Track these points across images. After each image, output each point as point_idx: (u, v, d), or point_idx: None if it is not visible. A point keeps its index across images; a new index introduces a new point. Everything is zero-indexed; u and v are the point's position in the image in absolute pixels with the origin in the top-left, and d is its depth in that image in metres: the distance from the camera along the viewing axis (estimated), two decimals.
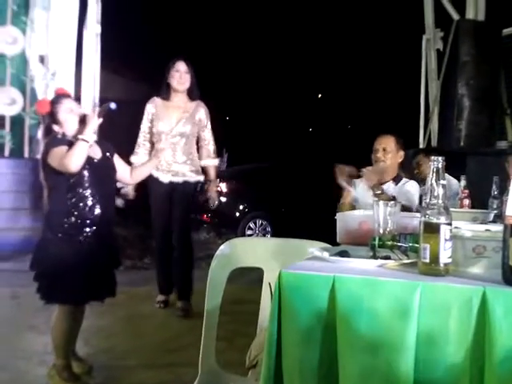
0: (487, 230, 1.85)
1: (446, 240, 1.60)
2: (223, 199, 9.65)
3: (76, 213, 3.11)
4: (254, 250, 2.56)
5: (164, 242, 4.95)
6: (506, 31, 7.29)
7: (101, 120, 3.16)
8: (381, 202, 1.93)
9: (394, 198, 3.35)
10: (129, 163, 3.73)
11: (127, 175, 3.49)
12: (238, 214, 9.59)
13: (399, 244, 1.85)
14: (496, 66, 6.97)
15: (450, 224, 1.62)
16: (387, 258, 1.81)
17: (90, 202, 3.15)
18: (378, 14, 16.91)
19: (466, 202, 3.58)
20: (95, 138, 3.31)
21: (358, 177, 3.74)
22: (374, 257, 1.83)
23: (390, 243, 1.85)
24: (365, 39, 18.32)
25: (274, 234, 9.28)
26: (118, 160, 3.41)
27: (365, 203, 3.42)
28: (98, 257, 3.19)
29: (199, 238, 8.92)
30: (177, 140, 4.79)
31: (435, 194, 1.63)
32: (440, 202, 1.63)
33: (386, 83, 18.33)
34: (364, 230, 2.11)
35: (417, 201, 3.71)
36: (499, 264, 1.56)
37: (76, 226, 3.12)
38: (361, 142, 7.94)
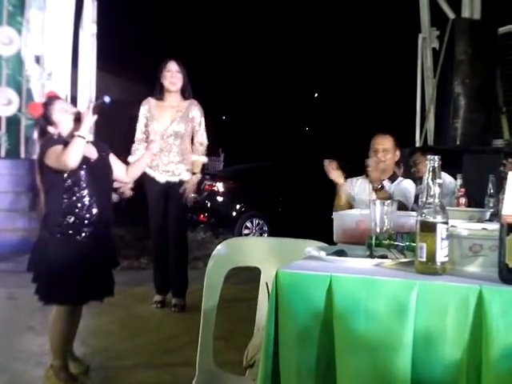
0: (484, 229, 1.86)
1: (442, 239, 1.60)
2: (220, 199, 9.65)
3: (73, 213, 3.11)
4: (250, 249, 2.56)
5: (161, 242, 4.95)
6: (501, 30, 7.32)
7: (96, 116, 3.15)
8: (377, 201, 1.93)
9: (390, 197, 3.36)
10: (126, 163, 3.73)
11: (123, 174, 3.49)
12: (234, 214, 9.58)
13: (396, 243, 1.85)
14: (492, 64, 6.99)
15: (446, 223, 1.62)
16: (384, 257, 1.81)
17: (87, 202, 3.15)
18: (374, 13, 16.94)
19: (463, 200, 3.58)
20: (91, 138, 3.30)
21: (351, 172, 3.77)
22: (371, 256, 1.83)
23: (386, 242, 1.85)
24: (361, 38, 18.35)
25: (271, 234, 9.28)
26: (113, 159, 3.41)
27: (363, 201, 3.44)
28: (96, 256, 3.19)
29: (196, 237, 8.91)
30: (172, 140, 4.81)
31: (431, 192, 1.64)
32: (436, 200, 1.63)
33: (382, 82, 18.37)
34: (361, 229, 2.12)
35: (413, 199, 3.72)
36: (496, 262, 1.56)
37: (73, 226, 3.11)
38: (357, 141, 7.95)
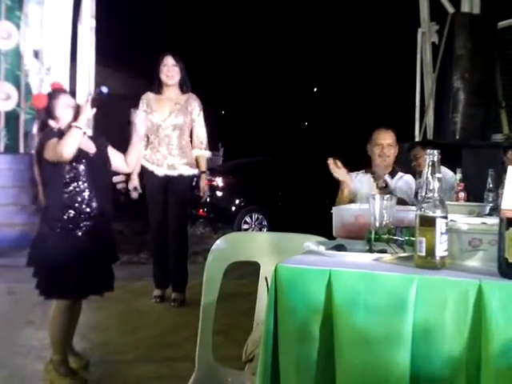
0: (483, 223, 1.85)
1: (441, 233, 1.60)
2: (219, 193, 9.64)
3: (73, 207, 3.11)
4: (250, 244, 2.56)
5: (160, 236, 4.95)
6: (501, 24, 7.29)
7: (94, 109, 3.15)
8: (377, 196, 1.93)
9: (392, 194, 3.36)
10: None
11: (123, 164, 3.48)
12: (234, 209, 9.58)
13: (395, 237, 1.85)
14: (491, 59, 6.97)
15: (445, 217, 1.62)
16: (383, 251, 1.81)
17: (86, 197, 3.14)
18: (373, 8, 16.90)
19: (462, 195, 3.59)
20: (90, 133, 3.30)
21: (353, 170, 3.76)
22: (370, 250, 1.83)
23: (386, 237, 1.85)
24: (360, 33, 18.31)
25: (271, 228, 9.28)
26: (111, 151, 3.40)
27: (363, 196, 3.43)
28: (95, 251, 3.18)
29: (195, 232, 8.91)
30: (170, 132, 4.83)
31: (431, 187, 1.63)
32: (436, 195, 1.62)
33: (381, 77, 18.33)
34: (360, 224, 2.12)
35: (413, 194, 3.72)
36: (495, 257, 1.56)
37: (73, 221, 3.11)
38: (356, 135, 7.95)
